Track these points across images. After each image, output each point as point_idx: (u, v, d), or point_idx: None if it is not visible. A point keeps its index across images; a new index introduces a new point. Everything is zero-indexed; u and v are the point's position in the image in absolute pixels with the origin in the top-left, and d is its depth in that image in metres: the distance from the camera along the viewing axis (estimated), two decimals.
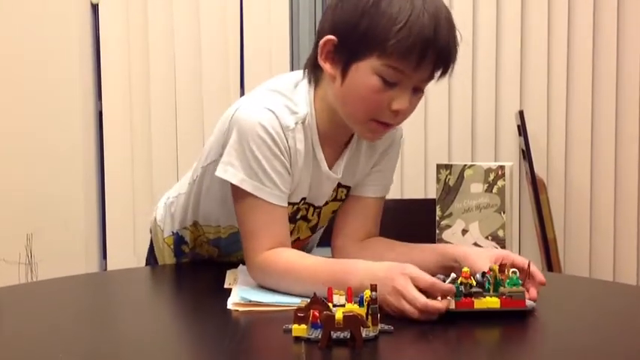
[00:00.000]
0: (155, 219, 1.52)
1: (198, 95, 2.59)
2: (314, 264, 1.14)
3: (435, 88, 2.62)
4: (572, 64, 2.74)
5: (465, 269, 1.03)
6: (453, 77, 2.74)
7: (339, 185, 1.34)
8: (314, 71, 1.23)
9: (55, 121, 2.59)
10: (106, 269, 2.64)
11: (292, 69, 2.67)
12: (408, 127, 2.67)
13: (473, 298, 1.00)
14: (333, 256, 1.37)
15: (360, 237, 1.36)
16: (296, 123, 1.21)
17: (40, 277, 2.56)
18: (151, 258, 1.55)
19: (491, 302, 1.00)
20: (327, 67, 1.18)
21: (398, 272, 1.02)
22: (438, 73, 1.16)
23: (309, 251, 1.51)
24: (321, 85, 1.23)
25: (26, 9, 2.57)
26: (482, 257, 1.11)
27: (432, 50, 1.10)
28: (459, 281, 1.03)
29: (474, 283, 1.02)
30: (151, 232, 1.55)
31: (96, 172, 2.66)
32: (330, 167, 1.29)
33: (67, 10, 2.58)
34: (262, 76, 2.58)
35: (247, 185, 1.19)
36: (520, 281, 1.03)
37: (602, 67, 2.75)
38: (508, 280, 1.02)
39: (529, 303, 1.02)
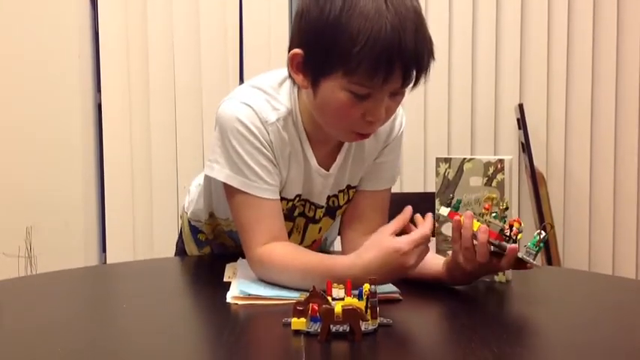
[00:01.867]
0: (184, 205, 1.53)
1: (197, 89, 2.59)
2: (308, 260, 1.15)
3: (434, 83, 2.62)
4: (571, 57, 2.73)
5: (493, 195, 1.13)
6: (452, 71, 2.74)
7: (348, 187, 1.34)
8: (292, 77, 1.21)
9: (54, 115, 2.59)
10: (105, 262, 2.64)
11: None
12: (408, 121, 2.68)
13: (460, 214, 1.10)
14: (342, 249, 1.36)
15: (368, 230, 1.32)
16: (277, 118, 1.20)
17: (40, 270, 2.56)
18: (180, 242, 1.55)
19: (476, 225, 1.09)
20: (298, 79, 1.16)
21: (394, 254, 1.07)
22: (412, 79, 1.11)
23: (329, 246, 1.51)
24: (301, 89, 1.22)
25: (25, 2, 2.57)
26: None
27: (399, 64, 1.06)
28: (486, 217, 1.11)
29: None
30: (180, 217, 1.55)
31: (95, 166, 2.66)
32: (325, 165, 1.28)
33: (67, 3, 2.58)
34: (261, 69, 2.57)
35: (233, 181, 1.19)
36: (536, 245, 1.10)
37: (601, 61, 2.75)
38: (531, 240, 1.10)
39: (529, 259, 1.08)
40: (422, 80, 1.13)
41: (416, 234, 1.08)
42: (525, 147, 2.50)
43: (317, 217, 1.35)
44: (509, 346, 0.92)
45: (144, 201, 2.61)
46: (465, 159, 1.20)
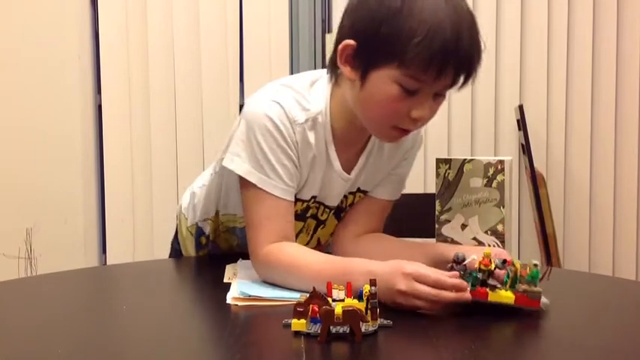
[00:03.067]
0: (181, 206, 1.52)
1: (197, 90, 2.59)
2: (316, 262, 1.14)
3: None
4: (571, 58, 2.73)
5: (487, 251, 1.02)
6: None
7: (358, 190, 1.34)
8: (334, 70, 1.21)
9: (54, 115, 2.59)
10: (105, 263, 2.64)
11: (292, 68, 2.67)
12: None
13: (488, 289, 1.00)
14: (332, 247, 1.37)
15: (361, 233, 1.35)
16: (306, 119, 1.20)
17: (40, 271, 2.56)
18: (176, 243, 1.55)
19: (505, 297, 0.99)
20: (346, 70, 1.16)
21: (399, 274, 1.01)
22: (460, 80, 1.12)
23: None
24: (340, 84, 1.22)
25: (25, 3, 2.57)
26: (475, 253, 1.07)
27: (453, 61, 1.07)
28: (477, 265, 1.02)
29: (493, 267, 1.01)
30: (177, 218, 1.55)
31: (95, 166, 2.66)
32: (348, 169, 1.28)
33: (67, 4, 2.57)
34: (261, 71, 2.58)
35: (252, 177, 1.19)
36: (540, 274, 1.01)
37: (601, 61, 2.75)
38: (529, 273, 1.01)
39: (544, 302, 1.02)
40: (468, 83, 1.13)
41: (434, 292, 0.99)
42: (525, 148, 2.51)
43: (327, 218, 1.35)
44: (509, 347, 0.92)
45: (144, 202, 2.61)
46: (465, 160, 1.20)
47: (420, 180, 2.64)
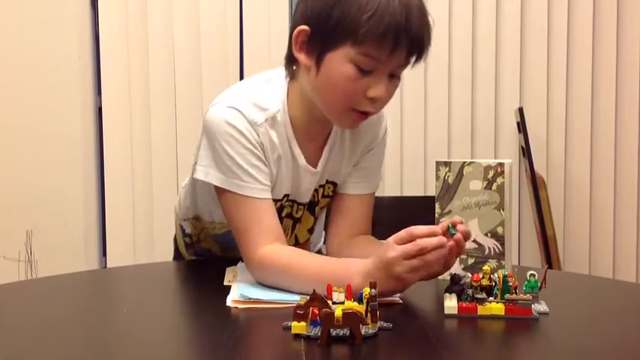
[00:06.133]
0: (178, 199, 1.53)
1: (197, 91, 2.59)
2: (312, 263, 1.14)
3: (434, 85, 2.64)
4: (571, 60, 2.73)
5: (486, 267, 1.04)
6: (452, 74, 2.75)
7: (327, 182, 1.34)
8: (290, 64, 1.24)
9: (54, 117, 2.59)
10: (105, 266, 2.64)
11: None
12: (407, 124, 2.70)
13: (477, 304, 1.01)
14: (326, 253, 1.37)
15: (351, 235, 1.35)
16: (266, 119, 1.21)
17: (40, 274, 2.56)
18: (176, 243, 1.56)
19: (495, 309, 1.00)
20: (301, 57, 1.18)
21: (387, 265, 1.03)
22: (412, 59, 1.16)
23: (317, 251, 1.51)
24: (297, 78, 1.23)
25: (26, 4, 2.57)
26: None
27: (405, 36, 1.11)
28: (466, 280, 1.04)
29: (487, 283, 1.03)
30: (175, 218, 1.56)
31: (95, 169, 2.66)
32: (313, 162, 1.29)
33: (67, 6, 2.58)
34: (262, 71, 2.58)
35: (227, 184, 1.20)
36: (538, 284, 1.03)
37: (601, 64, 2.75)
38: (526, 283, 1.03)
39: (537, 309, 1.02)
40: (419, 62, 1.17)
41: (411, 244, 1.03)
42: (525, 150, 2.51)
43: (302, 215, 1.35)
44: (509, 350, 0.92)
45: (144, 205, 2.61)
46: (465, 162, 1.20)
47: (420, 182, 2.64)
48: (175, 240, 1.56)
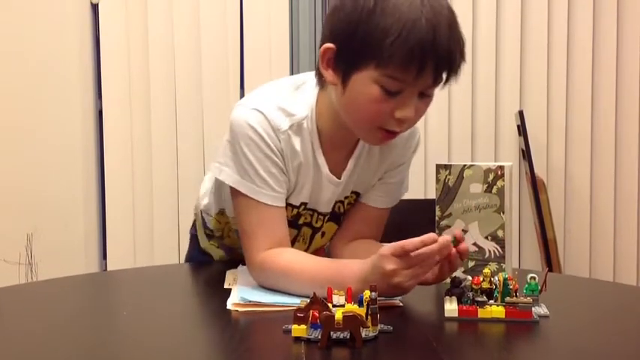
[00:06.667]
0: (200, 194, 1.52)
1: (198, 94, 2.60)
2: (311, 266, 1.14)
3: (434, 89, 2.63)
4: (571, 63, 2.74)
5: (486, 270, 1.04)
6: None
7: (353, 192, 1.33)
8: (320, 76, 1.21)
9: (55, 121, 2.59)
10: (105, 269, 2.64)
11: (292, 69, 2.68)
12: None
13: (477, 307, 1.01)
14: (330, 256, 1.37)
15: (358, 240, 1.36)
16: (291, 125, 1.20)
17: (40, 277, 2.56)
18: (193, 229, 1.54)
19: (495, 312, 1.00)
20: (328, 74, 1.15)
21: (383, 260, 1.03)
22: (443, 78, 1.12)
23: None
24: (327, 88, 1.22)
25: (26, 9, 2.57)
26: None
27: (432, 58, 1.06)
28: (466, 283, 1.04)
29: (487, 286, 1.03)
30: (195, 207, 1.54)
31: (96, 172, 2.66)
32: (337, 172, 1.27)
33: (67, 10, 2.58)
34: (262, 74, 2.59)
35: (241, 186, 1.20)
36: (539, 287, 1.03)
37: (601, 67, 2.75)
38: (526, 286, 1.03)
39: (538, 312, 1.02)
40: (451, 80, 1.13)
41: (402, 243, 1.03)
42: (526, 153, 2.51)
43: (322, 225, 1.35)
44: (510, 352, 0.92)
45: (144, 208, 2.61)
46: (465, 165, 1.20)
47: (421, 186, 2.64)
48: (192, 237, 1.54)
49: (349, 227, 1.37)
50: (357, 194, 1.35)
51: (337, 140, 1.25)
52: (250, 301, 1.09)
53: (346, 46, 1.11)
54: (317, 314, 0.90)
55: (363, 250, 1.27)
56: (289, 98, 1.22)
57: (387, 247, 1.04)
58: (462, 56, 1.11)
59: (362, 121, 1.16)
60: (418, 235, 1.04)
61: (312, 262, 1.17)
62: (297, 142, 1.21)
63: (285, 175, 1.22)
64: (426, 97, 1.14)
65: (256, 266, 1.19)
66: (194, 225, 1.54)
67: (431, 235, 1.03)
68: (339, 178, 1.28)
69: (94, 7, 2.61)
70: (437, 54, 1.06)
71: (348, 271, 1.09)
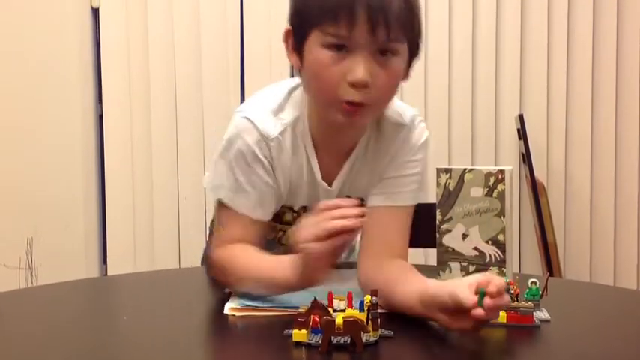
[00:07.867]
0: None
1: (198, 98, 2.60)
2: (251, 260, 1.15)
3: (434, 92, 2.64)
4: (571, 67, 2.74)
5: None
6: (452, 81, 2.72)
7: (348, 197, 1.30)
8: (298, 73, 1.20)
9: (55, 125, 2.59)
10: (106, 274, 2.64)
11: (292, 69, 2.68)
12: None
13: None
14: (358, 277, 1.22)
15: (380, 253, 1.21)
16: (281, 130, 1.19)
17: (40, 281, 2.55)
18: (212, 227, 1.54)
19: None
20: (292, 59, 1.16)
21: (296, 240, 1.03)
22: (381, 29, 1.05)
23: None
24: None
25: (27, 13, 2.58)
26: (461, 285, 0.95)
27: (361, 5, 1.04)
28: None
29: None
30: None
31: (96, 177, 2.66)
32: (331, 178, 1.24)
33: (68, 14, 2.58)
34: (262, 75, 2.58)
35: (220, 192, 1.20)
36: (540, 292, 1.03)
37: (601, 71, 2.75)
38: (527, 291, 1.02)
39: (539, 316, 1.02)
40: (412, 39, 1.10)
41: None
42: (526, 157, 2.51)
43: None
44: (511, 357, 0.92)
45: (145, 212, 2.61)
46: (465, 170, 1.20)
47: None
48: (211, 234, 1.53)
49: (365, 236, 1.24)
50: (361, 200, 1.32)
51: (331, 142, 1.22)
52: (247, 305, 1.09)
53: (294, 22, 1.14)
54: (318, 319, 0.90)
55: (403, 282, 1.10)
56: (282, 102, 1.22)
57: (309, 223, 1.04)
58: (399, 6, 1.07)
59: (321, 93, 1.13)
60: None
61: (254, 255, 1.16)
62: (288, 146, 1.20)
63: (272, 187, 1.20)
64: (385, 57, 1.09)
65: (210, 261, 1.22)
66: (213, 222, 1.53)
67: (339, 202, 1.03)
68: (332, 184, 1.25)
69: (95, 12, 2.61)
70: (365, 2, 1.04)
71: (279, 268, 1.10)
